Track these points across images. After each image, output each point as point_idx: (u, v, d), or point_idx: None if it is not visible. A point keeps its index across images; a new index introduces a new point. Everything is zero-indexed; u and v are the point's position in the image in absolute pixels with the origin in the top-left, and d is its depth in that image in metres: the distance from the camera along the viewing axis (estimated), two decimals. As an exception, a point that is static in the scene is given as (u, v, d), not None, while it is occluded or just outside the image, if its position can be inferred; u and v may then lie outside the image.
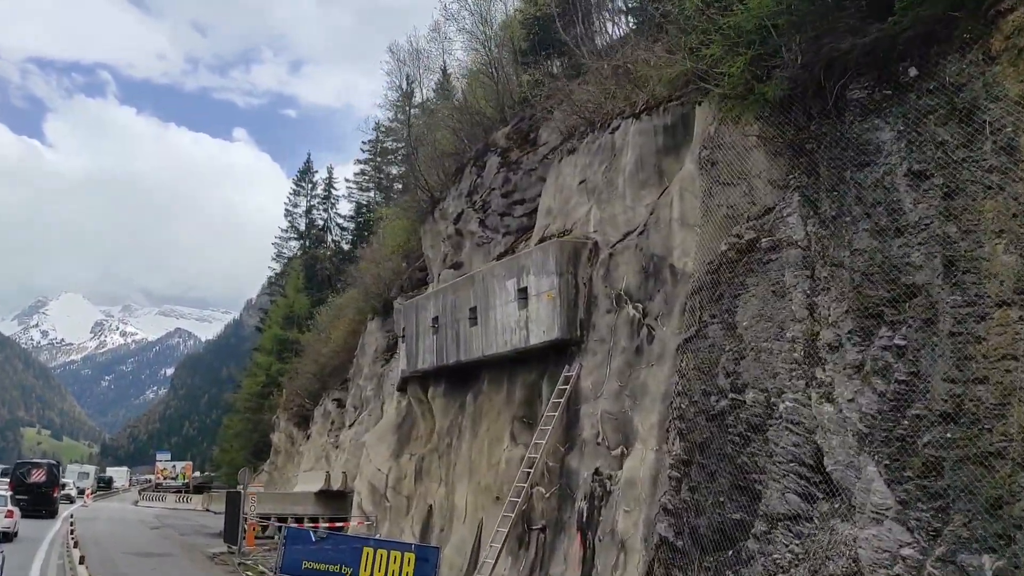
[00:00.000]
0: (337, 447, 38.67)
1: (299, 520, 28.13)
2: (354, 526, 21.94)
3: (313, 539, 16.02)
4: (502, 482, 15.93)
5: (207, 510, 35.44)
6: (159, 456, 71.75)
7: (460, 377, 18.80)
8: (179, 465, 67.34)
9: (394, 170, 70.75)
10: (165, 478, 64.25)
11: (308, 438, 50.56)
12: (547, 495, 14.16)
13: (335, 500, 28.78)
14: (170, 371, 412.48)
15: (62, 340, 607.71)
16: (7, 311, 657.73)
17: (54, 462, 42.68)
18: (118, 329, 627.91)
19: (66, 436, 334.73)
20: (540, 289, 14.85)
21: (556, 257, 14.55)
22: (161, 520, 40.03)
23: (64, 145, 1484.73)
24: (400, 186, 67.09)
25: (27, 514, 27.28)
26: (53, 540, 24.87)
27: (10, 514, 23.32)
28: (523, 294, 15.46)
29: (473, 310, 17.19)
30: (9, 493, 25.88)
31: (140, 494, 64.01)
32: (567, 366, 14.44)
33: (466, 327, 17.44)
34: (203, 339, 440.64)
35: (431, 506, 18.74)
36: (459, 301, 17.85)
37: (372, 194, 70.44)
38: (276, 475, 58.68)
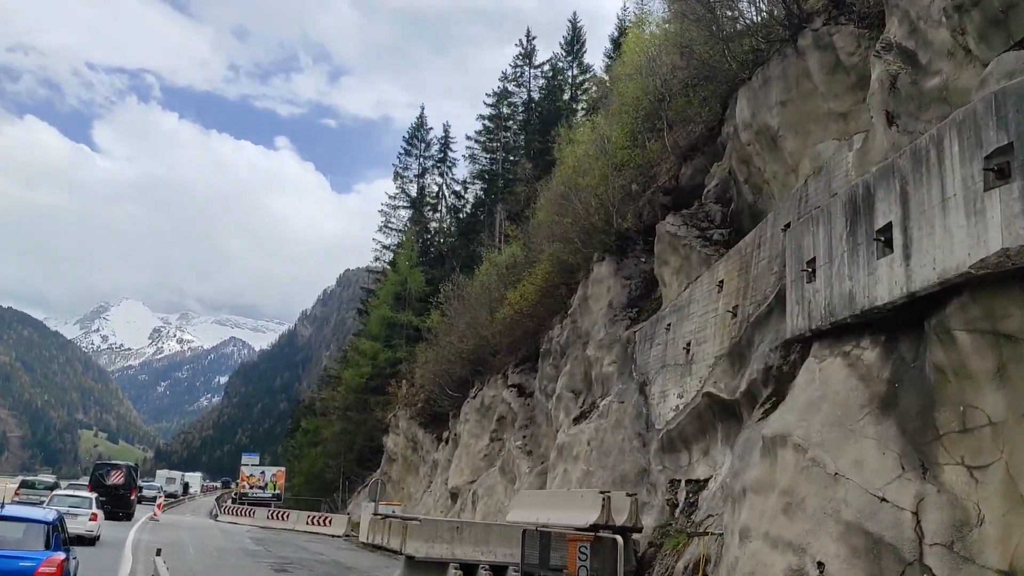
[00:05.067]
0: (531, 455, 26.39)
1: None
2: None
3: None
4: None
5: (369, 545, 23.20)
6: (245, 458, 59.33)
7: None
8: (268, 472, 55.36)
9: (514, 133, 59.19)
10: (252, 486, 52.48)
11: (447, 441, 38.38)
12: None
13: (607, 541, 16.51)
14: (224, 379, 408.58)
15: (121, 345, 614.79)
16: (69, 315, 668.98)
17: (132, 464, 39.06)
18: (175, 336, 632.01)
19: (122, 440, 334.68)
20: None
21: None
22: (267, 547, 28.33)
23: (113, 150, 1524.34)
24: (523, 140, 55.79)
25: (105, 516, 26.55)
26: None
27: (94, 517, 22.76)
28: None
29: None
30: (94, 496, 25.45)
31: (218, 504, 52.63)
32: None
33: None
34: (257, 348, 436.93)
35: None
36: None
37: (495, 156, 58.66)
38: (391, 489, 46.64)
